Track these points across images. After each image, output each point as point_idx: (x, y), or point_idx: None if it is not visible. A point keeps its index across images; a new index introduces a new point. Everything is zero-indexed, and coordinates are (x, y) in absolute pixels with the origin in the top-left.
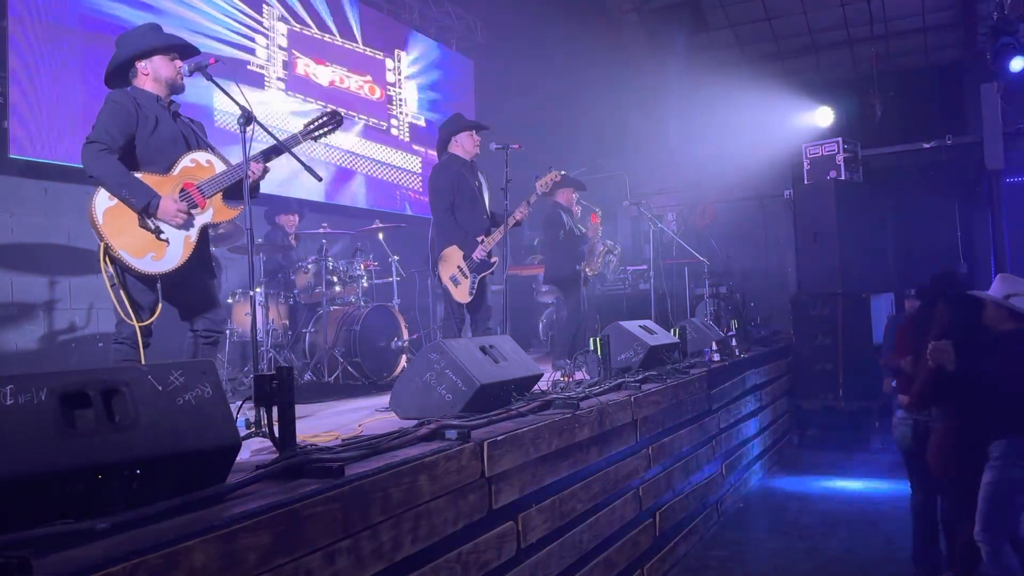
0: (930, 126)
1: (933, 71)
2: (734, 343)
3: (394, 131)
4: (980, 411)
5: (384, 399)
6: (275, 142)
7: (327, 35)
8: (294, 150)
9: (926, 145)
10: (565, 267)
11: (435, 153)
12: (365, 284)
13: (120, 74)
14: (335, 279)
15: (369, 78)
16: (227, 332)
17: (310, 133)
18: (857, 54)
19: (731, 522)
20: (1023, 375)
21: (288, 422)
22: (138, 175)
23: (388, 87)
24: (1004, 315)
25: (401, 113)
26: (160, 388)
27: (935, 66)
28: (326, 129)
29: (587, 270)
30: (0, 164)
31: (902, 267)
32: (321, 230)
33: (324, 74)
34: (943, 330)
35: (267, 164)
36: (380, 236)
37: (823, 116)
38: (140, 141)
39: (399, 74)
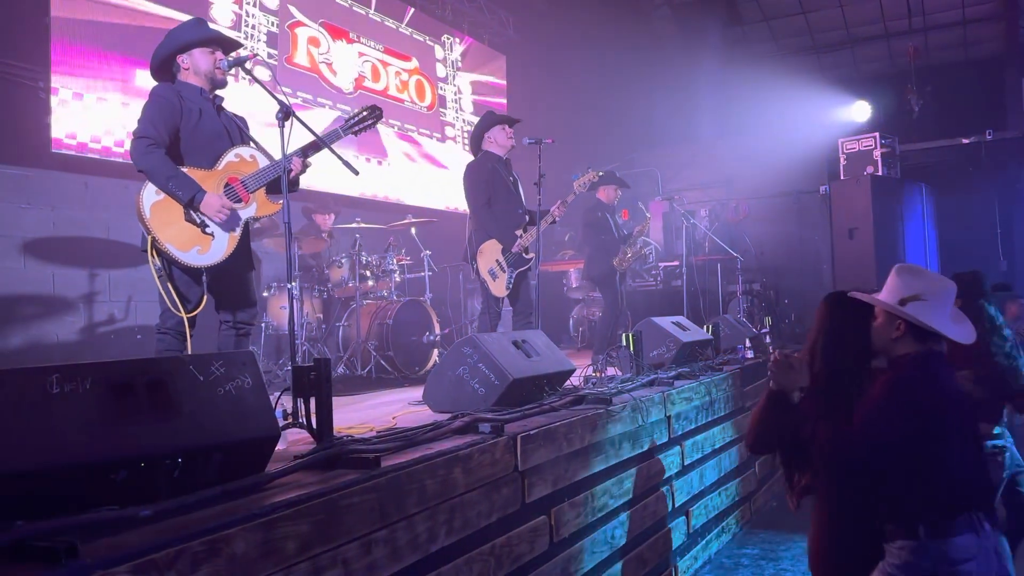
0: (969, 121)
1: (972, 65)
2: (768, 340)
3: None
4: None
5: (416, 393)
6: (314, 138)
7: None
8: (332, 146)
9: (965, 140)
10: (603, 264)
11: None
12: (398, 278)
13: (165, 69)
14: (368, 273)
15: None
16: (262, 325)
17: (351, 128)
18: (895, 48)
19: (764, 520)
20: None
21: (325, 413)
22: (184, 169)
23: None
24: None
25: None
26: (201, 379)
27: (975, 60)
28: (366, 124)
29: (616, 263)
30: (42, 158)
31: (940, 264)
32: (354, 224)
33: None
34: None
35: (307, 160)
36: (412, 231)
37: (860, 111)
38: (184, 133)
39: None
